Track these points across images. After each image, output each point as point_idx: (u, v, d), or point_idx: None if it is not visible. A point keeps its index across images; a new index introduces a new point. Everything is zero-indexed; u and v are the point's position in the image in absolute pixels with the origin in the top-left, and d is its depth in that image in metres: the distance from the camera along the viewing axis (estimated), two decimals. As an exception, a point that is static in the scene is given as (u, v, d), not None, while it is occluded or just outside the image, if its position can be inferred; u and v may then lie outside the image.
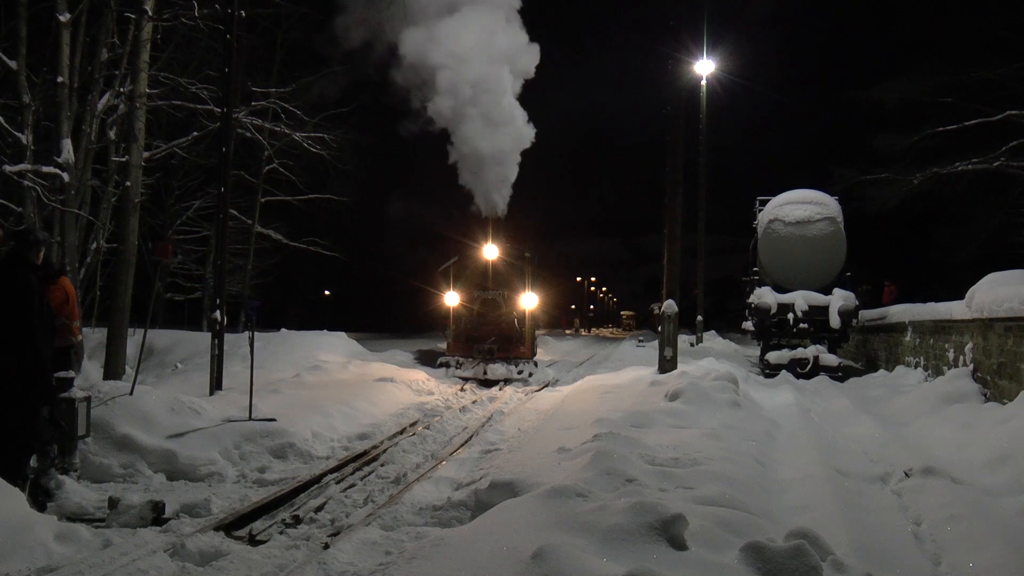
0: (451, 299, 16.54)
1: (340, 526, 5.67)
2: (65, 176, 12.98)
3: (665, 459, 6.24)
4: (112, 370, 11.98)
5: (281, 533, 5.55)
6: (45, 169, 13.01)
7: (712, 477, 5.59)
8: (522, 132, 18.05)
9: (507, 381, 15.25)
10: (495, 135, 17.55)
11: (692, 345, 23.38)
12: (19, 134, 13.44)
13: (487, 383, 15.16)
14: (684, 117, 15.49)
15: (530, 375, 15.88)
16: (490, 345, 15.91)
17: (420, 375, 14.57)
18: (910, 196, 19.62)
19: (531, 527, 4.20)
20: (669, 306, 14.54)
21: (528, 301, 16.57)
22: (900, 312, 15.36)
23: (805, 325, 16.18)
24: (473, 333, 16.33)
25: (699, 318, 26.55)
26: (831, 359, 15.66)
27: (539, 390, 14.32)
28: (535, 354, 17.83)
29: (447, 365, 16.05)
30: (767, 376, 15.51)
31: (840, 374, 15.43)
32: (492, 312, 16.51)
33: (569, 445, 6.92)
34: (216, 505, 6.04)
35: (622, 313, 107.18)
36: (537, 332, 19.77)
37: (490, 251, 16.61)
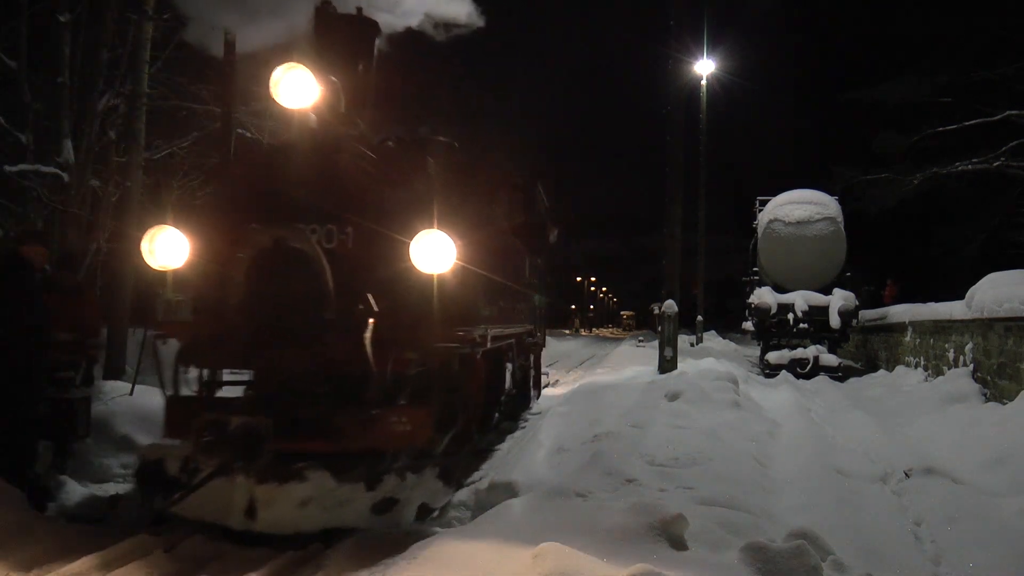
0: (161, 255, 5.03)
1: (340, 526, 5.64)
2: (65, 176, 12.97)
3: (665, 459, 6.24)
4: (112, 370, 11.97)
5: (281, 533, 5.52)
6: (45, 169, 13.00)
7: (712, 477, 5.59)
8: None
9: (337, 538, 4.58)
10: None
11: (692, 345, 23.38)
12: (19, 134, 13.44)
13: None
14: (684, 117, 15.51)
15: (436, 514, 5.04)
16: (253, 420, 4.50)
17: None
18: (910, 196, 19.66)
19: (531, 527, 4.20)
20: (669, 306, 14.54)
21: (437, 253, 4.64)
22: (900, 312, 15.37)
23: (805, 325, 16.21)
24: (232, 367, 5.69)
25: (699, 318, 26.57)
26: (831, 359, 15.68)
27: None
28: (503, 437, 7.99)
29: (147, 480, 4.87)
30: (767, 376, 15.52)
31: (840, 374, 15.45)
32: (295, 299, 4.85)
33: (569, 445, 6.92)
34: (216, 505, 6.02)
35: (622, 313, 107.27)
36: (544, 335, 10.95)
37: (292, 88, 5.05)
